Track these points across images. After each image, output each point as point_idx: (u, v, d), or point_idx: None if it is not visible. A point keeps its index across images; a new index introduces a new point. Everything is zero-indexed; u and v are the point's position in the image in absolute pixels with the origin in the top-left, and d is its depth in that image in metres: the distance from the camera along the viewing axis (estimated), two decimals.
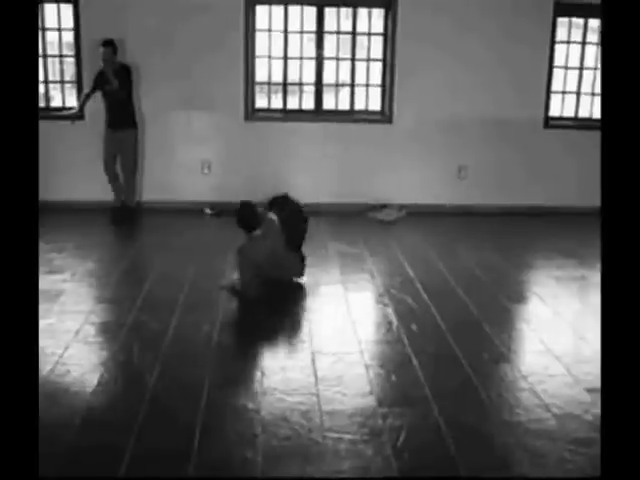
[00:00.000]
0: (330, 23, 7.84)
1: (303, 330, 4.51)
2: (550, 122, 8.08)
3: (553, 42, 7.87)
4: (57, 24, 7.62)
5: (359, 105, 8.07)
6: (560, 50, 7.98)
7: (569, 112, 8.20)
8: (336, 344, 4.27)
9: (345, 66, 7.98)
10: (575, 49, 8.05)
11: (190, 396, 3.56)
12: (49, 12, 7.60)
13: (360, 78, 8.01)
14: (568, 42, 8.00)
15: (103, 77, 7.07)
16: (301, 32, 7.82)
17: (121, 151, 7.31)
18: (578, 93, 8.16)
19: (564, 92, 8.14)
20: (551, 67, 7.95)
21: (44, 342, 4.16)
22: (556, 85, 8.08)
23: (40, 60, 7.71)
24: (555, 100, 8.15)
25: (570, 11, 7.80)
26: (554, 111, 8.15)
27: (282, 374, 3.86)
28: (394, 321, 4.66)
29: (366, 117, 8.03)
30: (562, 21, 7.88)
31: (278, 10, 7.73)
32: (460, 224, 7.63)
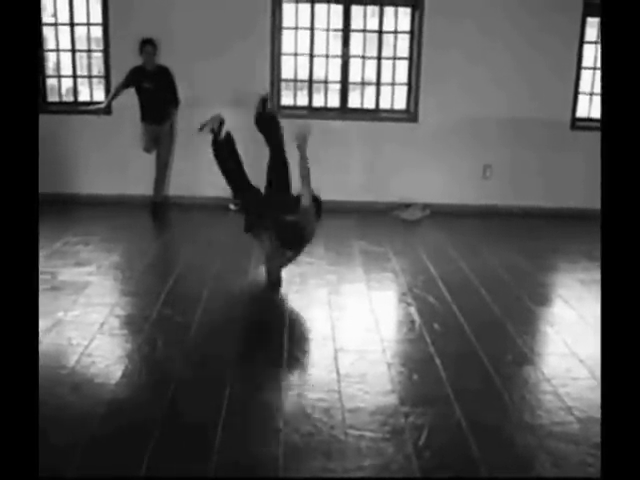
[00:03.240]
0: (356, 21, 7.84)
1: (326, 327, 4.51)
2: (577, 123, 8.02)
3: (582, 42, 7.81)
4: (86, 19, 7.68)
5: (384, 104, 8.06)
6: (589, 50, 7.91)
7: (597, 113, 8.13)
8: (359, 342, 4.27)
9: (371, 64, 7.98)
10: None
11: (213, 391, 3.58)
12: (78, 7, 7.66)
13: (386, 77, 8.00)
14: (597, 43, 7.93)
15: (142, 73, 7.13)
16: (327, 30, 7.82)
17: (157, 144, 7.37)
18: None
19: (592, 94, 8.07)
20: (579, 68, 7.89)
21: (70, 333, 4.21)
22: (584, 86, 8.02)
23: (69, 54, 7.79)
24: (583, 101, 8.08)
25: (599, 11, 7.72)
26: (581, 112, 8.09)
27: (304, 370, 3.87)
28: (417, 320, 4.66)
29: (391, 116, 8.03)
30: (591, 21, 7.81)
31: (304, 8, 7.74)
32: (484, 224, 7.60)
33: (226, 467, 2.94)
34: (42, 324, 4.25)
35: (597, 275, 5.80)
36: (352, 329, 4.49)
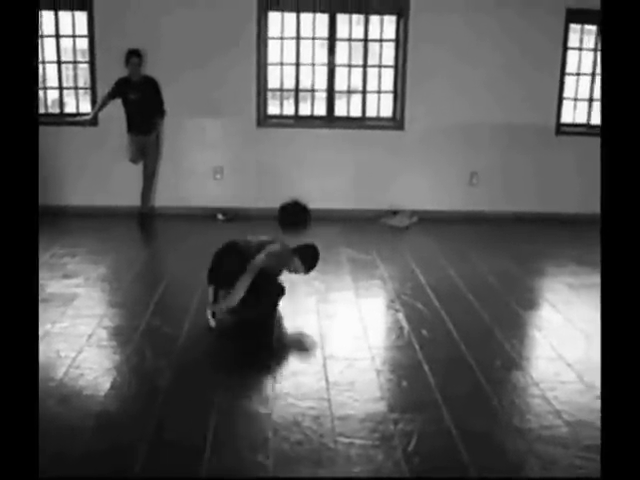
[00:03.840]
0: (342, 30, 7.88)
1: (315, 335, 4.52)
2: (562, 129, 8.08)
3: (565, 49, 7.88)
4: (72, 31, 7.68)
5: (371, 111, 8.09)
6: (572, 57, 7.98)
7: (581, 119, 8.19)
8: (348, 349, 4.28)
9: (357, 73, 8.01)
10: (587, 56, 8.04)
11: (202, 400, 3.58)
12: (63, 19, 7.67)
13: (372, 84, 8.03)
14: (580, 49, 7.99)
15: (128, 84, 7.13)
16: (313, 39, 7.85)
17: (144, 155, 7.37)
18: (590, 100, 8.15)
19: (576, 99, 8.13)
20: (563, 74, 7.95)
21: (58, 346, 4.20)
22: (568, 92, 8.08)
23: (54, 66, 7.78)
24: (567, 107, 8.14)
25: (582, 18, 7.79)
26: (566, 118, 8.14)
27: (294, 379, 3.87)
28: (405, 327, 4.67)
29: (378, 123, 8.06)
30: (574, 27, 7.88)
31: (290, 17, 7.77)
32: (472, 230, 7.63)
33: (216, 475, 2.93)
34: None
35: (585, 279, 5.84)
36: (341, 337, 4.50)
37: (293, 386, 3.78)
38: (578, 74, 8.07)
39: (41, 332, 4.37)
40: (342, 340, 4.43)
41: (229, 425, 3.35)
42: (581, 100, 8.15)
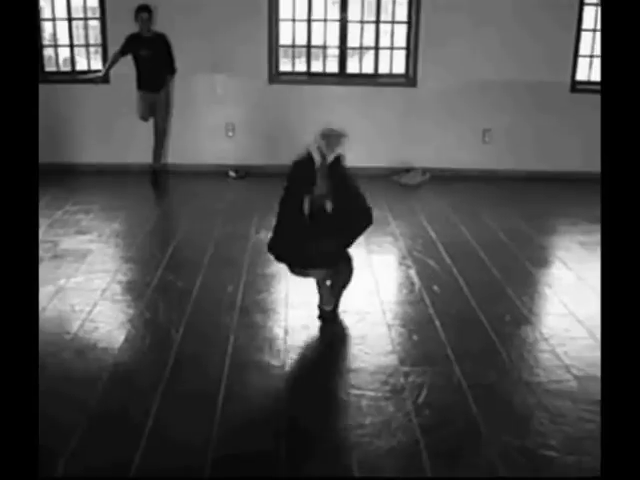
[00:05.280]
0: None
1: None
2: (577, 86, 7.98)
3: (582, 4, 7.74)
4: None
5: (383, 68, 8.01)
6: (589, 12, 7.84)
7: (596, 77, 8.08)
8: (359, 304, 4.31)
9: (369, 29, 7.92)
10: None
11: (215, 354, 3.63)
12: None
13: (384, 41, 7.95)
14: (597, 5, 7.85)
15: (139, 41, 7.08)
16: None
17: (154, 112, 7.34)
18: None
19: (592, 56, 8.02)
20: (579, 30, 7.82)
21: (72, 300, 4.26)
22: (584, 49, 7.96)
23: (65, 24, 7.73)
24: (582, 64, 8.03)
25: None
26: (581, 75, 8.04)
27: (305, 332, 3.91)
28: (416, 282, 4.69)
29: (390, 80, 7.98)
30: None
31: None
32: (484, 188, 7.59)
33: (229, 426, 2.99)
34: (45, 291, 4.29)
35: (597, 237, 5.80)
36: (353, 292, 4.50)
37: (305, 340, 3.82)
38: (594, 30, 7.93)
39: (55, 287, 4.42)
40: (354, 295, 4.44)
41: (242, 376, 3.40)
42: (597, 57, 8.02)
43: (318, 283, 4.08)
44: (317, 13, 7.80)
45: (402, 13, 7.85)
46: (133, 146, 7.73)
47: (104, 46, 7.63)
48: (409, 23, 7.82)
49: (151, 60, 7.12)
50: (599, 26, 7.88)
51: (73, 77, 7.75)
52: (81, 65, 7.96)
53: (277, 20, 7.73)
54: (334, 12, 7.83)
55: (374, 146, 7.97)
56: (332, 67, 7.99)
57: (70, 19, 7.73)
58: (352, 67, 8.01)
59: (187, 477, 2.70)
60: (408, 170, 7.82)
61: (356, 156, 7.91)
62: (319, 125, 7.69)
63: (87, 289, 4.45)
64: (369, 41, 7.94)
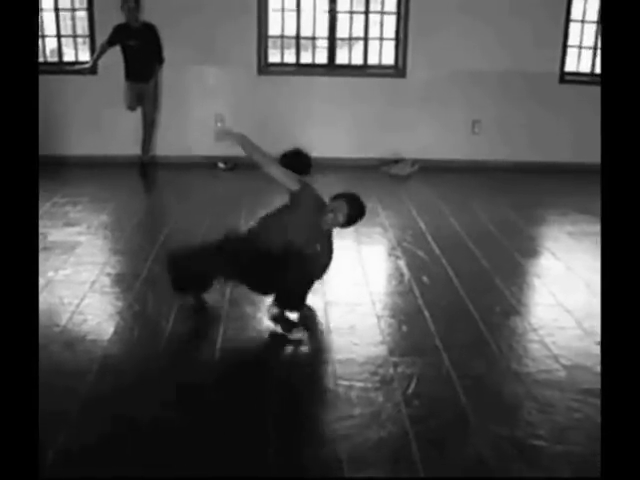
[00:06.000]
0: None
1: (316, 281, 4.54)
2: (566, 77, 7.99)
3: None
4: None
5: (372, 59, 8.00)
6: (577, 3, 7.85)
7: (585, 68, 8.10)
8: (348, 295, 4.31)
9: (359, 20, 7.90)
10: (593, 3, 7.90)
11: (205, 346, 3.64)
12: None
13: (374, 32, 7.93)
14: None
15: (127, 31, 7.03)
16: None
17: (141, 102, 7.31)
18: (595, 48, 8.04)
19: (580, 47, 8.03)
20: (568, 20, 7.83)
21: (61, 292, 4.24)
22: (573, 39, 7.97)
23: (52, 14, 7.67)
24: (571, 55, 8.04)
25: None
26: (570, 66, 8.05)
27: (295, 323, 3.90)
28: (406, 273, 4.70)
29: (379, 71, 7.98)
30: None
31: None
32: (473, 179, 7.60)
33: (221, 414, 2.99)
34: None
35: (586, 228, 5.84)
36: (342, 283, 4.52)
37: (294, 330, 3.81)
38: (583, 21, 7.93)
39: (44, 280, 4.40)
40: (343, 286, 4.46)
41: (231, 368, 3.40)
42: (586, 48, 8.04)
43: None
44: (306, 4, 7.77)
45: (391, 3, 7.84)
46: (121, 138, 7.69)
47: (92, 37, 7.58)
48: (398, 14, 7.81)
49: (140, 50, 7.07)
50: (588, 17, 7.89)
51: (60, 68, 7.70)
52: (69, 56, 7.90)
53: (266, 10, 7.70)
54: (323, 3, 7.81)
55: (363, 137, 7.97)
56: (321, 58, 7.98)
57: (57, 9, 7.67)
58: (341, 58, 8.00)
59: (187, 477, 2.69)
60: (397, 161, 7.82)
61: (345, 147, 7.98)
62: (307, 116, 7.73)
63: (76, 281, 4.43)
64: (358, 32, 7.93)
